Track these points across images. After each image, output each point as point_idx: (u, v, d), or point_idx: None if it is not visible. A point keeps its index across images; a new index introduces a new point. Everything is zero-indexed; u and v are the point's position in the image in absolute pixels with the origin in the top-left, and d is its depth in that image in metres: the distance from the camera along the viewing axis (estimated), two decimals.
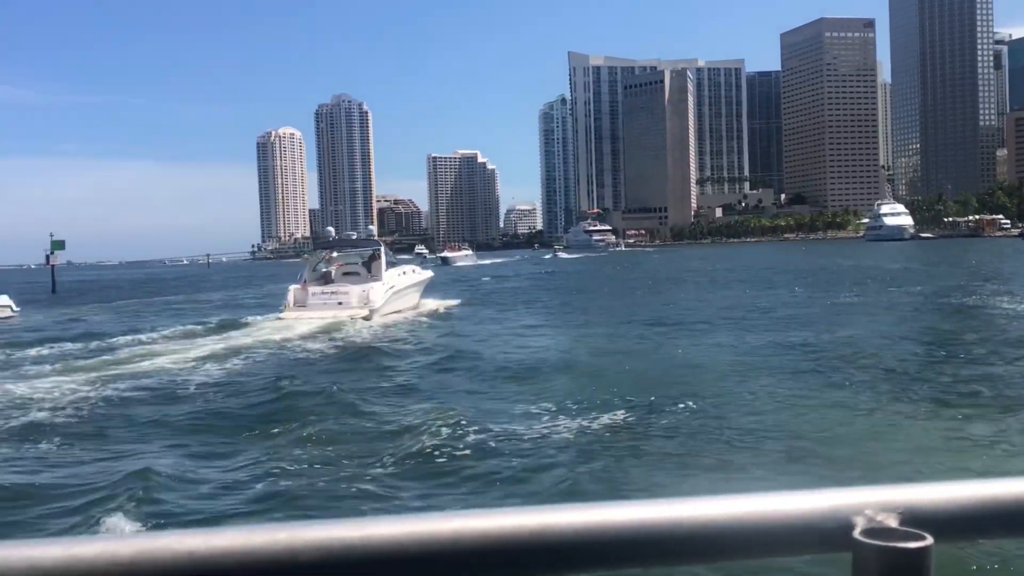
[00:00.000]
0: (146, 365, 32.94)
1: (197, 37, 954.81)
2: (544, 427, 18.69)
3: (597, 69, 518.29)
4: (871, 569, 1.27)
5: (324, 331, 42.75)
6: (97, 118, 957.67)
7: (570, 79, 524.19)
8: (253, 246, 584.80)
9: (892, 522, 1.35)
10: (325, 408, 21.75)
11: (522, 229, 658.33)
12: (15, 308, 68.06)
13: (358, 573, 1.17)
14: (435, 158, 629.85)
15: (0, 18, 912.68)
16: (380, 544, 1.17)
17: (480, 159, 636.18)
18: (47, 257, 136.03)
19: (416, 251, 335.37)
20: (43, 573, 1.09)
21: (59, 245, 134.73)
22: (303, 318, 47.51)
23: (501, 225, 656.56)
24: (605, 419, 19.11)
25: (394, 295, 53.00)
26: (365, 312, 47.35)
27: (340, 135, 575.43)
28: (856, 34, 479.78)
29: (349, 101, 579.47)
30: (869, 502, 1.37)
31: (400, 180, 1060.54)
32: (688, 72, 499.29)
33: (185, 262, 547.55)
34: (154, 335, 45.18)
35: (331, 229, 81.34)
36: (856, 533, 1.33)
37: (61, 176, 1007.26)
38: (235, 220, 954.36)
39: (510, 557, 1.21)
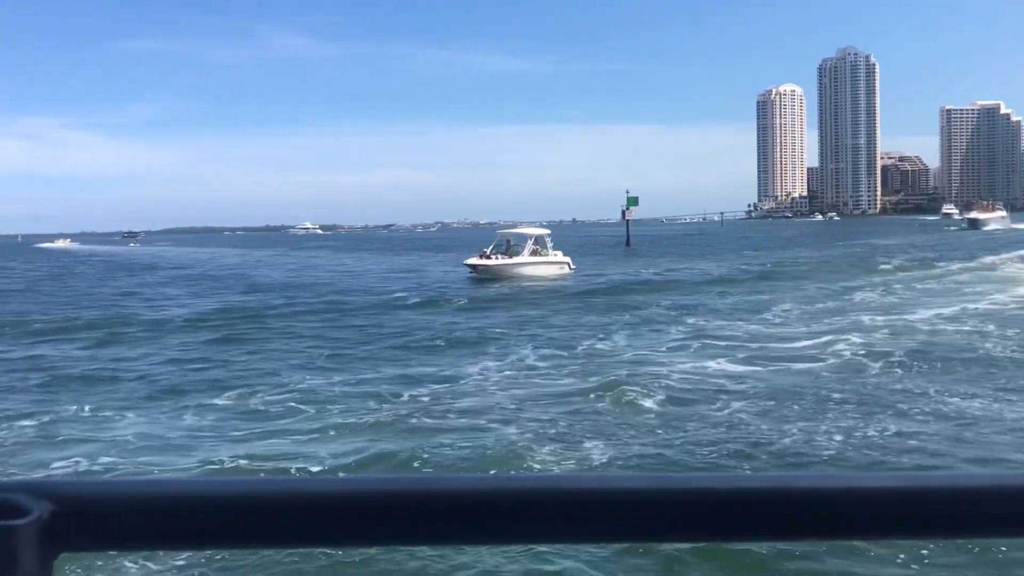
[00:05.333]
0: None
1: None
2: None
3: None
4: None
5: None
6: (602, 85, 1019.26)
7: None
8: (749, 205, 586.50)
9: None
10: None
11: None
12: (572, 266, 72.53)
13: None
14: (949, 111, 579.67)
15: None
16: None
17: (1003, 110, 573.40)
18: (623, 212, 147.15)
19: (944, 211, 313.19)
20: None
21: (634, 201, 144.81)
22: None
23: None
24: None
25: None
26: None
27: (844, 90, 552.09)
28: None
29: (855, 54, 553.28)
30: None
31: (906, 136, 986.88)
32: None
33: (687, 220, 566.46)
34: None
35: None
36: None
37: (567, 140, 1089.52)
38: (729, 180, 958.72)
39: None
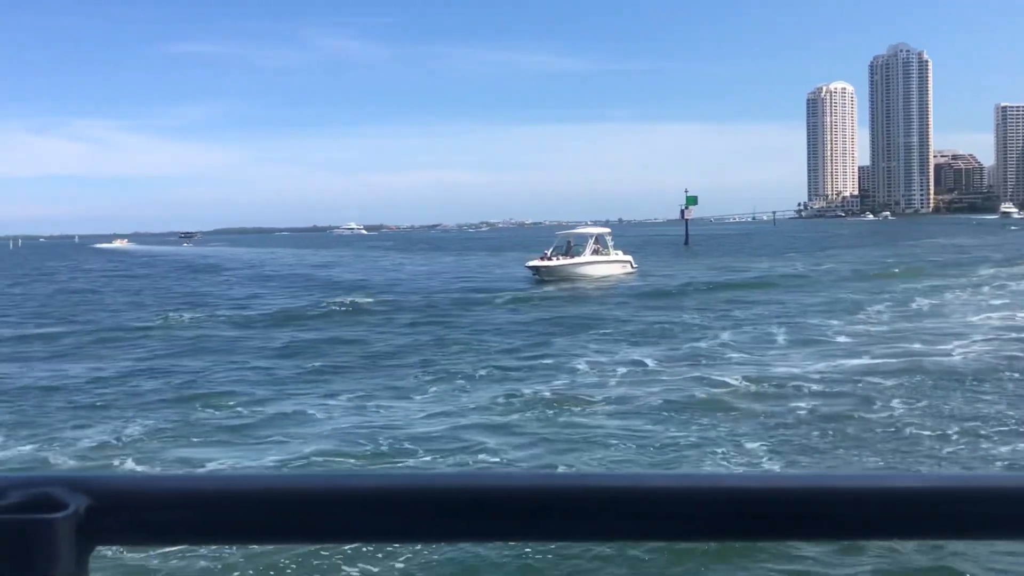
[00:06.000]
0: None
1: None
2: None
3: None
4: None
5: None
6: (646, 84, 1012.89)
7: None
8: (799, 204, 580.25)
9: None
10: None
11: None
12: (634, 265, 71.85)
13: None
14: (1004, 107, 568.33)
15: None
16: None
17: None
18: (681, 212, 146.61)
19: (1002, 210, 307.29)
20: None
21: (693, 200, 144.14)
22: None
23: None
24: None
25: None
26: None
27: (896, 88, 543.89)
28: None
29: (907, 51, 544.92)
30: None
31: (959, 134, 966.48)
32: None
33: (735, 219, 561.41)
34: None
35: None
36: None
37: (611, 140, 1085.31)
38: (778, 179, 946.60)
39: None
